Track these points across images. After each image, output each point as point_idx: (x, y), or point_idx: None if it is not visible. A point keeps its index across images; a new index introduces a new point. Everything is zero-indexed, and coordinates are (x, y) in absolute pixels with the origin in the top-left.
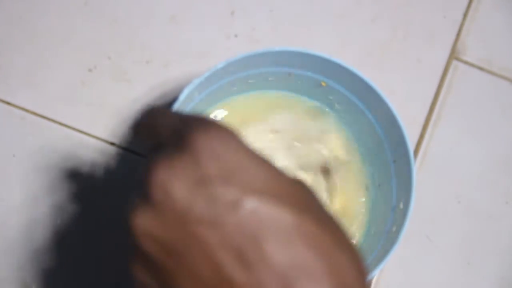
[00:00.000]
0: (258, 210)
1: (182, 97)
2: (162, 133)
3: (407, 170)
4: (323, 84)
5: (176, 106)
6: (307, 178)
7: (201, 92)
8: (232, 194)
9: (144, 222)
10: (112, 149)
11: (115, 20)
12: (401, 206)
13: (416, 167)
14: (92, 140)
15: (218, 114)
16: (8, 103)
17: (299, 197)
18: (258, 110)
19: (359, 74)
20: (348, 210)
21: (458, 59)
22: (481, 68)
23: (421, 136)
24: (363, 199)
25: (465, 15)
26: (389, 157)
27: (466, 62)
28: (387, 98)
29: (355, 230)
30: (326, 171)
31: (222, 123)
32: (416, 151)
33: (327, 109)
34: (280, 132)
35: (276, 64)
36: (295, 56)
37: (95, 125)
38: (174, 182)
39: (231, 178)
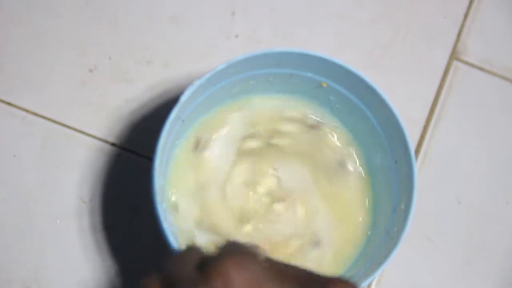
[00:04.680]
0: None
1: (183, 99)
2: None
3: (409, 171)
4: (324, 85)
5: (177, 108)
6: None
7: (202, 93)
8: None
9: None
10: (112, 149)
11: (115, 20)
12: (402, 206)
13: (416, 167)
14: (93, 140)
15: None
16: (9, 104)
17: None
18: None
19: (360, 74)
20: (348, 211)
21: (458, 59)
22: (481, 69)
23: (422, 137)
24: (364, 200)
25: (465, 15)
26: (390, 157)
27: (466, 63)
28: (388, 99)
29: (356, 232)
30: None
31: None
32: (416, 152)
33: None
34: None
35: (277, 65)
36: (296, 57)
37: (96, 125)
38: None
39: None
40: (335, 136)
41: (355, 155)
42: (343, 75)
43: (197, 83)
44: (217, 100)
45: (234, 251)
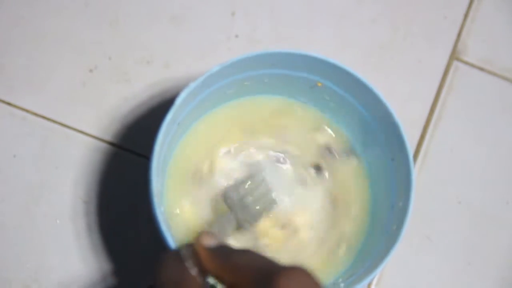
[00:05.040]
0: None
1: (178, 101)
2: None
3: (406, 167)
4: (319, 84)
5: (173, 111)
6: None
7: (198, 95)
8: None
9: None
10: (112, 149)
11: (115, 20)
12: (400, 204)
13: (417, 167)
14: (93, 140)
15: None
16: (9, 104)
17: None
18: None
19: (355, 73)
20: (347, 211)
21: (458, 59)
22: (481, 69)
23: (422, 137)
24: (362, 199)
25: (465, 15)
26: (387, 155)
27: (466, 63)
28: (383, 96)
29: (355, 230)
30: (319, 169)
31: None
32: (416, 152)
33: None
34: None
35: (272, 66)
36: (291, 57)
37: (96, 125)
38: None
39: None
40: (331, 135)
41: (351, 153)
42: (338, 75)
43: (192, 86)
44: (212, 102)
45: None
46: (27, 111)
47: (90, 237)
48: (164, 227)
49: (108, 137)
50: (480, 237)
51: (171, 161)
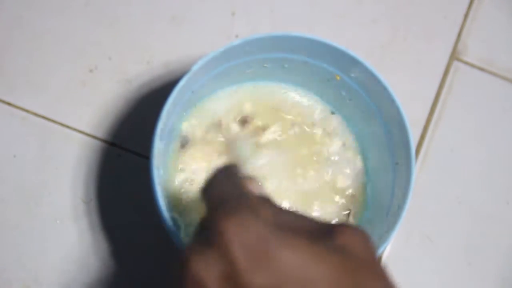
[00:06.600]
0: None
1: (195, 68)
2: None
3: (407, 172)
4: (337, 77)
5: (188, 76)
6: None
7: (215, 68)
8: (262, 285)
9: None
10: (112, 149)
11: (116, 20)
12: (396, 209)
13: (417, 167)
14: (93, 141)
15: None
16: (9, 104)
17: (340, 273)
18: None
19: (374, 71)
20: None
21: (459, 59)
22: (481, 69)
23: (422, 137)
24: (362, 199)
25: (465, 15)
26: (393, 158)
27: (466, 63)
28: (398, 100)
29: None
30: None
31: (254, 202)
32: (417, 152)
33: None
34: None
35: (292, 51)
36: (313, 44)
37: (96, 126)
38: (206, 279)
39: (259, 268)
40: (338, 134)
41: (356, 154)
42: (358, 71)
43: (211, 55)
44: (231, 78)
45: (235, 211)
46: (27, 111)
47: (91, 237)
48: (158, 188)
49: (108, 137)
50: (480, 237)
51: (182, 123)
